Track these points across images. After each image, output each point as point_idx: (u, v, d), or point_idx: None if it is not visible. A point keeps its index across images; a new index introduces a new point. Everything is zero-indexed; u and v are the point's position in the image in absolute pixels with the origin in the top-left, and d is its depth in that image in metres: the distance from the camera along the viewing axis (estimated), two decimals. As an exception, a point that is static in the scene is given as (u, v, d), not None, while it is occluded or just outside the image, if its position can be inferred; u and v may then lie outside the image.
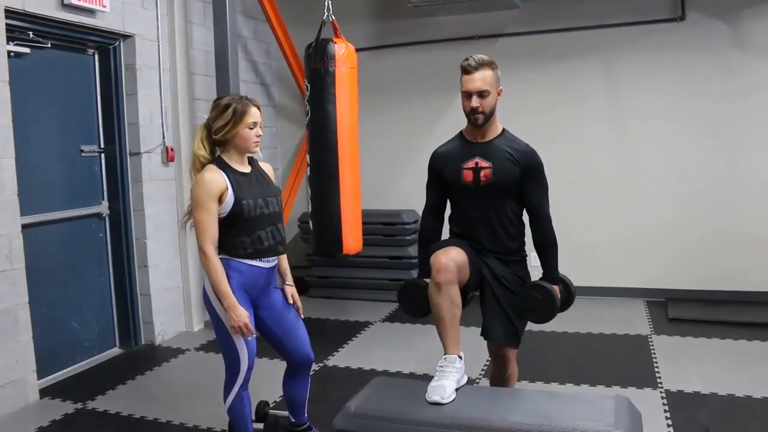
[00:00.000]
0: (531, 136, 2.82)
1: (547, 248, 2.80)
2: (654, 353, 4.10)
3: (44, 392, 3.74)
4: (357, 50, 3.47)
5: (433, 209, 2.93)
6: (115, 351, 4.52)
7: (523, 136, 2.80)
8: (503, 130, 2.82)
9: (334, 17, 3.91)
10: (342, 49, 3.87)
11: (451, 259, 2.57)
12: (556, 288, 2.77)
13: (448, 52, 5.54)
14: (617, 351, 4.25)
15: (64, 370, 4.07)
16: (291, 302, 2.84)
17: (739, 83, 4.99)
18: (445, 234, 2.93)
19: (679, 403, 3.33)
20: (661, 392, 3.48)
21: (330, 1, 3.69)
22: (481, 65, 2.67)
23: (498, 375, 2.94)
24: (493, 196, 2.74)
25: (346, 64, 3.83)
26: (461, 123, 2.83)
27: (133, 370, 4.10)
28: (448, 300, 2.56)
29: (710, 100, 5.07)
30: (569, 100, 5.43)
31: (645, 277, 5.37)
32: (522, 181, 2.73)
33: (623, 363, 4.00)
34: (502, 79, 2.73)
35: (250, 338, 2.60)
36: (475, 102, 2.67)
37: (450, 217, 2.93)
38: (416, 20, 5.70)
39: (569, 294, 2.90)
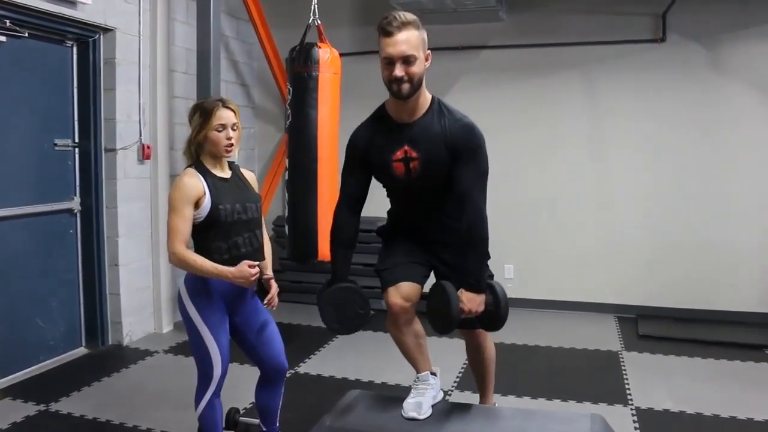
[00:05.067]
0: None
1: (472, 244, 2.33)
2: (624, 370, 4.13)
3: (5, 392, 3.64)
4: (340, 55, 3.43)
5: (351, 201, 2.54)
6: (81, 351, 4.42)
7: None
8: (433, 101, 2.40)
9: (319, 21, 3.87)
10: (326, 54, 3.84)
11: (405, 299, 2.44)
12: (474, 296, 2.30)
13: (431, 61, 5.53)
14: (589, 366, 4.27)
15: (27, 370, 3.97)
16: (267, 290, 2.74)
17: (716, 105, 5.07)
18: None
19: (649, 421, 3.34)
20: (631, 409, 3.50)
21: (316, 5, 3.66)
22: (405, 24, 2.25)
23: (476, 360, 2.86)
24: (429, 187, 2.43)
25: (329, 69, 3.81)
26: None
27: (99, 372, 4.01)
28: (412, 336, 2.54)
29: (687, 120, 5.15)
30: (548, 114, 5.44)
31: (616, 294, 5.41)
32: (452, 161, 2.33)
33: (595, 379, 4.02)
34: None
35: (224, 344, 2.55)
36: (399, 70, 2.24)
37: (390, 211, 2.72)
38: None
39: (498, 308, 2.34)
